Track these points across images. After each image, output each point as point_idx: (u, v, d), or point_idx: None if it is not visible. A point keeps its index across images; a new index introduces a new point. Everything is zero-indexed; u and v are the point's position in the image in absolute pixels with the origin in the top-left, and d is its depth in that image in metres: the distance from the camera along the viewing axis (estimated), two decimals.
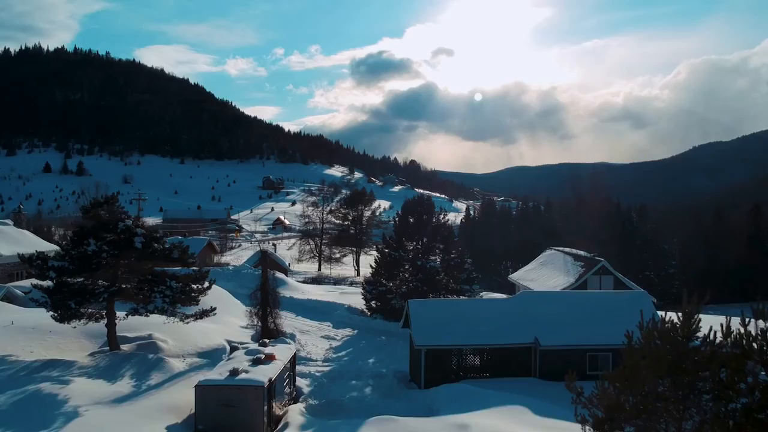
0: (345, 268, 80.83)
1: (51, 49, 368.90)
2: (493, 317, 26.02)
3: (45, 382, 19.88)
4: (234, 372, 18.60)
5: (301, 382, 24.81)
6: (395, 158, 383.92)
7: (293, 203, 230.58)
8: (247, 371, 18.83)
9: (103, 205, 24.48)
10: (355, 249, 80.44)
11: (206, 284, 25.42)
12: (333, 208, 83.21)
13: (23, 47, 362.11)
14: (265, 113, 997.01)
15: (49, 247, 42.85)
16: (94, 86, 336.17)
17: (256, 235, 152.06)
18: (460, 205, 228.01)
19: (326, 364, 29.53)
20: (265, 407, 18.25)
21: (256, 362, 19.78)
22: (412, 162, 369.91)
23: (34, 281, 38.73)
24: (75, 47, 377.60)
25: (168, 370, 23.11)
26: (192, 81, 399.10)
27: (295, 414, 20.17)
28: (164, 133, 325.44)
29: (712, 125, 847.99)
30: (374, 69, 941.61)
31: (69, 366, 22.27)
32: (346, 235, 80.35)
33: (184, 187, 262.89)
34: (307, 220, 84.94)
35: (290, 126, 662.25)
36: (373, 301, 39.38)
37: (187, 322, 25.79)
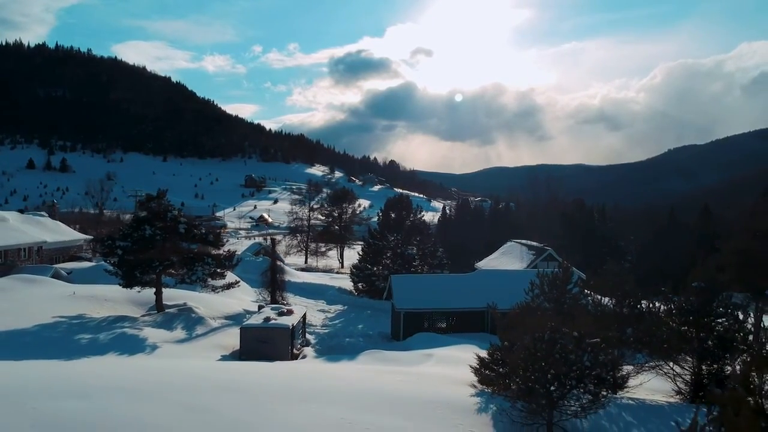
0: (330, 260, 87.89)
1: (32, 45, 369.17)
2: (456, 289, 33.64)
3: (124, 328, 26.99)
4: (267, 319, 25.96)
5: (308, 337, 32.14)
6: (375, 158, 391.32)
7: (275, 201, 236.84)
8: (275, 319, 26.19)
9: (155, 200, 31.52)
10: (339, 243, 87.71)
11: (234, 262, 32.58)
12: (319, 206, 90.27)
13: (3, 43, 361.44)
14: (244, 111, 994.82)
15: (78, 236, 49.44)
16: (75, 83, 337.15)
17: (241, 232, 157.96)
18: (438, 205, 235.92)
19: (324, 328, 36.88)
20: (289, 344, 25.60)
21: (280, 314, 27.15)
22: (392, 162, 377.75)
23: (74, 264, 45.56)
24: (56, 44, 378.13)
25: (208, 325, 30.32)
26: (174, 79, 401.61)
27: (309, 352, 27.57)
28: (147, 131, 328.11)
29: (686, 128, 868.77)
30: (353, 68, 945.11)
31: (134, 320, 29.33)
32: (331, 230, 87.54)
33: (167, 185, 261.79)
34: (294, 216, 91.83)
35: (269, 124, 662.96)
36: (360, 283, 46.79)
37: (218, 292, 33.05)
